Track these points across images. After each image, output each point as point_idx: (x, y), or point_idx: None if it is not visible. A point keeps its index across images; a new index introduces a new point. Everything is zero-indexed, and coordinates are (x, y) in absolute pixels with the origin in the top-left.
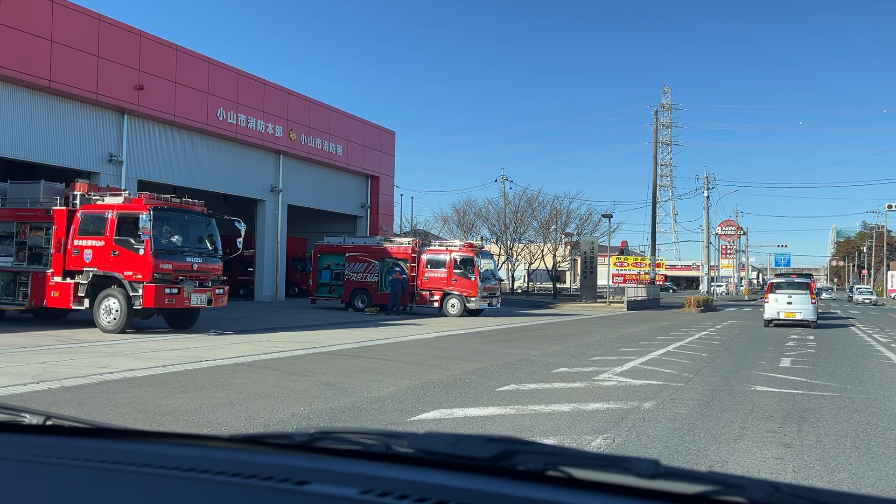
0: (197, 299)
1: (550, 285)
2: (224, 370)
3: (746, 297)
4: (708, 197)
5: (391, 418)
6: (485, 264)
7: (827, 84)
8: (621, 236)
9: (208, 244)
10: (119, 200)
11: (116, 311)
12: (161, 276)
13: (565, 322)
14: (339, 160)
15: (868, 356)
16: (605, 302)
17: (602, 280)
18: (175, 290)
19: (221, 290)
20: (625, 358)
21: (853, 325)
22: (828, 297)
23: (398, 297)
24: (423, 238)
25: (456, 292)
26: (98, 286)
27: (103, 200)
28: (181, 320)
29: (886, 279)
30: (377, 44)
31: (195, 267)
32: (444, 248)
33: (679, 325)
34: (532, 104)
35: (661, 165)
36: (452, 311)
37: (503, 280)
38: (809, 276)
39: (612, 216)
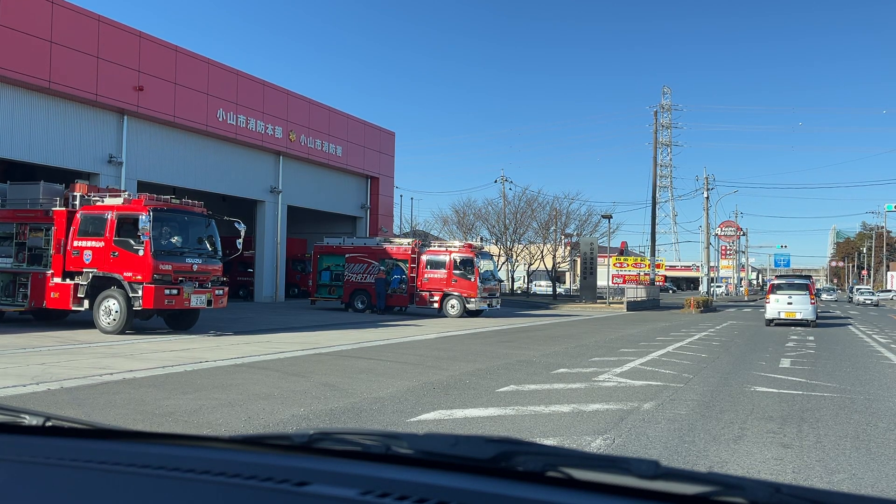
0: (196, 300)
1: (550, 286)
2: (224, 371)
3: (746, 298)
4: (707, 198)
5: (391, 419)
6: (484, 265)
7: (827, 84)
8: (621, 237)
9: (208, 245)
10: (119, 201)
11: (116, 312)
12: (161, 277)
13: (565, 323)
14: (339, 161)
15: (868, 356)
16: (605, 302)
17: (602, 281)
18: (175, 291)
19: (221, 291)
20: (624, 359)
21: (852, 325)
22: (828, 297)
23: (382, 295)
24: (423, 239)
25: (456, 293)
26: (98, 287)
27: (103, 201)
28: (181, 321)
29: (886, 280)
30: (377, 44)
31: (195, 268)
32: (443, 248)
33: (679, 326)
34: (532, 104)
35: (661, 166)
36: (452, 311)
37: (503, 281)
38: (809, 277)
39: (611, 217)
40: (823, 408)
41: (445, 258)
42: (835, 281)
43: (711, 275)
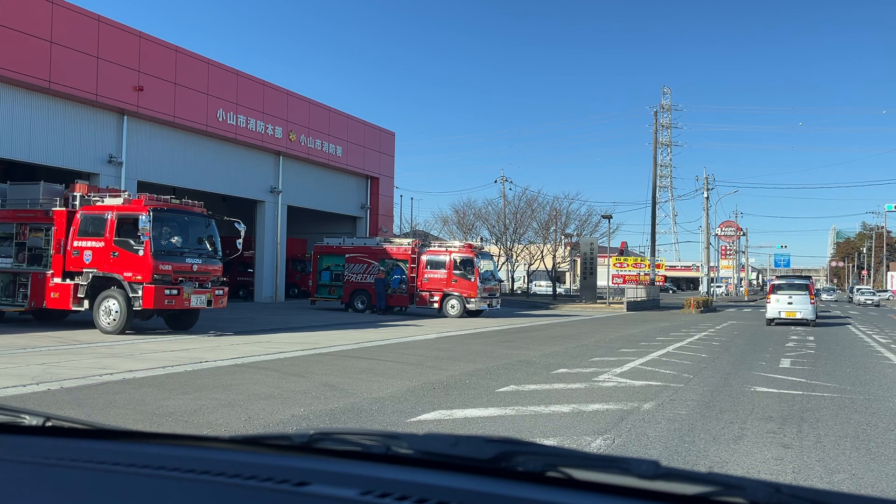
0: (196, 300)
1: (550, 286)
2: (224, 371)
3: (746, 298)
4: (707, 198)
5: (391, 419)
6: (484, 265)
7: (826, 84)
8: (621, 237)
9: (208, 245)
10: (118, 201)
11: (116, 312)
12: (161, 277)
13: (565, 323)
14: (339, 161)
15: (867, 356)
16: (605, 303)
17: (602, 281)
18: (175, 292)
19: (221, 291)
20: (624, 359)
21: (851, 325)
22: (828, 297)
23: (382, 295)
24: (423, 239)
25: (456, 293)
26: (98, 287)
27: (103, 201)
28: (181, 321)
29: (886, 280)
30: (377, 45)
31: (195, 268)
32: (443, 248)
33: (679, 326)
34: (531, 104)
35: (661, 166)
36: (452, 311)
37: (503, 281)
38: (808, 278)
39: (611, 217)
40: (823, 408)
41: (445, 258)
42: (835, 281)
43: (711, 275)
